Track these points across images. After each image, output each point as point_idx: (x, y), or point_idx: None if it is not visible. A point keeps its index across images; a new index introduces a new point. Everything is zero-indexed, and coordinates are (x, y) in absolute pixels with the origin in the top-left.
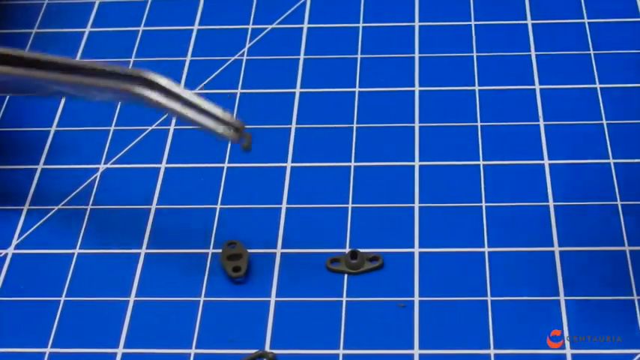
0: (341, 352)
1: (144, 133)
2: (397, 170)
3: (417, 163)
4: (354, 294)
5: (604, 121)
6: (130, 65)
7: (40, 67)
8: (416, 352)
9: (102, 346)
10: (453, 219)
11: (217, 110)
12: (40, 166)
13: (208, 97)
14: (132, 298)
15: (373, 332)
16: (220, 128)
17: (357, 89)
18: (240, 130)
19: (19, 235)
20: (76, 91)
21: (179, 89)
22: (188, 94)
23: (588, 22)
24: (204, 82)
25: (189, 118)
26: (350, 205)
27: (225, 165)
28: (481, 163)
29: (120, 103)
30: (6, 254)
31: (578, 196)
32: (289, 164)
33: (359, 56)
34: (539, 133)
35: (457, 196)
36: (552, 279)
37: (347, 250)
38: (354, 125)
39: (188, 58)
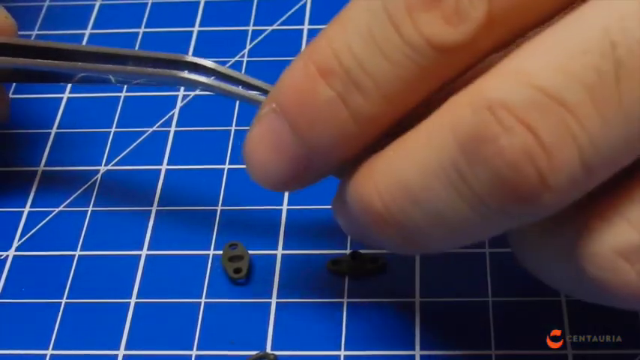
0: (342, 353)
1: (145, 135)
2: None
3: None
4: (354, 295)
5: None
6: None
7: (80, 59)
8: (417, 352)
9: (103, 347)
10: None
11: (263, 84)
12: (40, 168)
13: (209, 98)
14: (133, 300)
15: (374, 333)
16: None
17: None
18: None
19: (20, 237)
20: (116, 78)
21: (225, 69)
22: (235, 74)
23: None
24: None
25: (238, 95)
26: None
27: (226, 166)
28: None
29: (120, 104)
30: (7, 256)
31: None
32: None
33: None
34: None
35: None
36: None
37: (348, 251)
38: None
39: None
